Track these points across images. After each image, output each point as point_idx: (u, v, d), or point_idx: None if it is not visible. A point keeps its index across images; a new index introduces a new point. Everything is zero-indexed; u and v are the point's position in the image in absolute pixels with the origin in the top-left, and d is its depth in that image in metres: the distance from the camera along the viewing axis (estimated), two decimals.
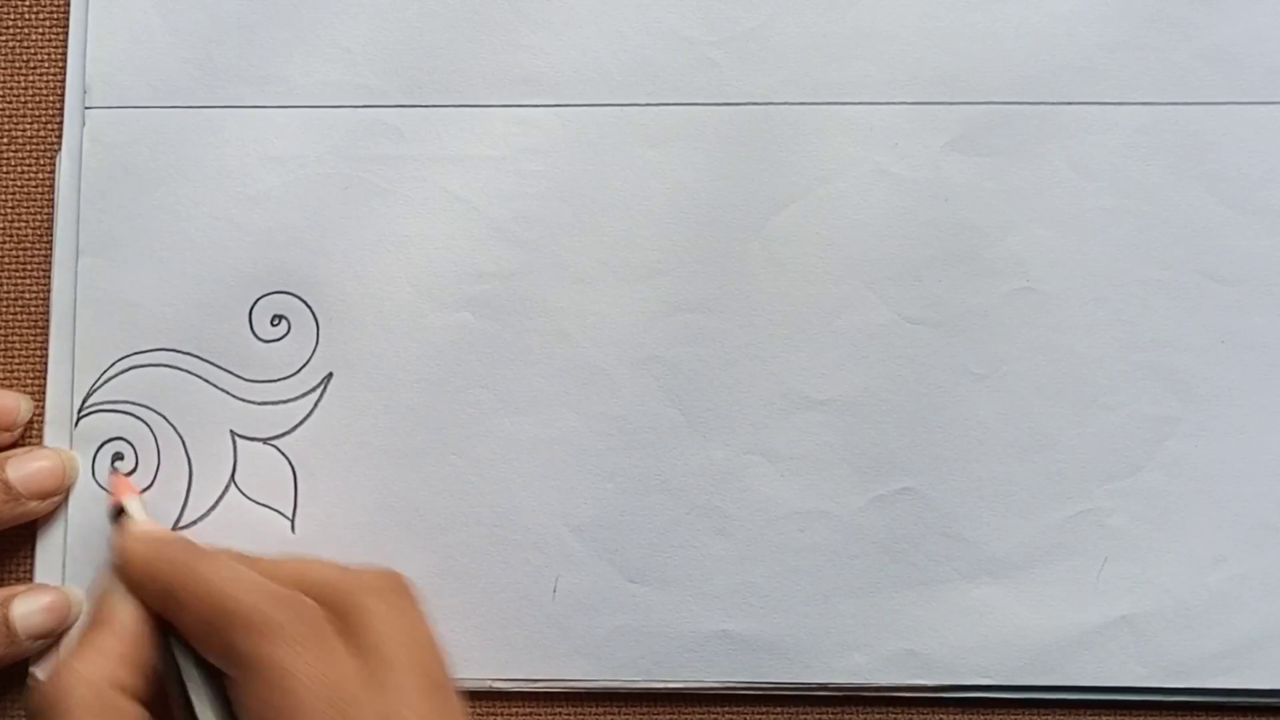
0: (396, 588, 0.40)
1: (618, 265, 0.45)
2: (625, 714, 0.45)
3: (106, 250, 0.45)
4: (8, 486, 0.43)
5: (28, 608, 0.42)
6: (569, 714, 0.45)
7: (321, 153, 0.45)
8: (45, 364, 0.45)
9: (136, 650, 0.40)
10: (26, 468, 0.43)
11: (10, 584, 0.44)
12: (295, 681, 0.37)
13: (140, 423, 0.45)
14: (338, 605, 0.39)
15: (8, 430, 0.44)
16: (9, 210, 0.46)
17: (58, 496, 0.44)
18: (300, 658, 0.37)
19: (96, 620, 0.40)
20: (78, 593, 0.44)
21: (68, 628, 0.43)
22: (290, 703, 0.36)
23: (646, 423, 0.45)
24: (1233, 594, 0.44)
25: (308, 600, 0.38)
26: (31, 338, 0.46)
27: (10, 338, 0.46)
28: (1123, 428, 0.45)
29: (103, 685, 0.39)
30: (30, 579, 0.44)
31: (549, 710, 0.45)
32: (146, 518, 0.43)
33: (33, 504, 0.43)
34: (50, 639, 0.43)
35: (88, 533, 0.44)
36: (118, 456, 0.44)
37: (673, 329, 0.45)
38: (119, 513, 0.43)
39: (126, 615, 0.40)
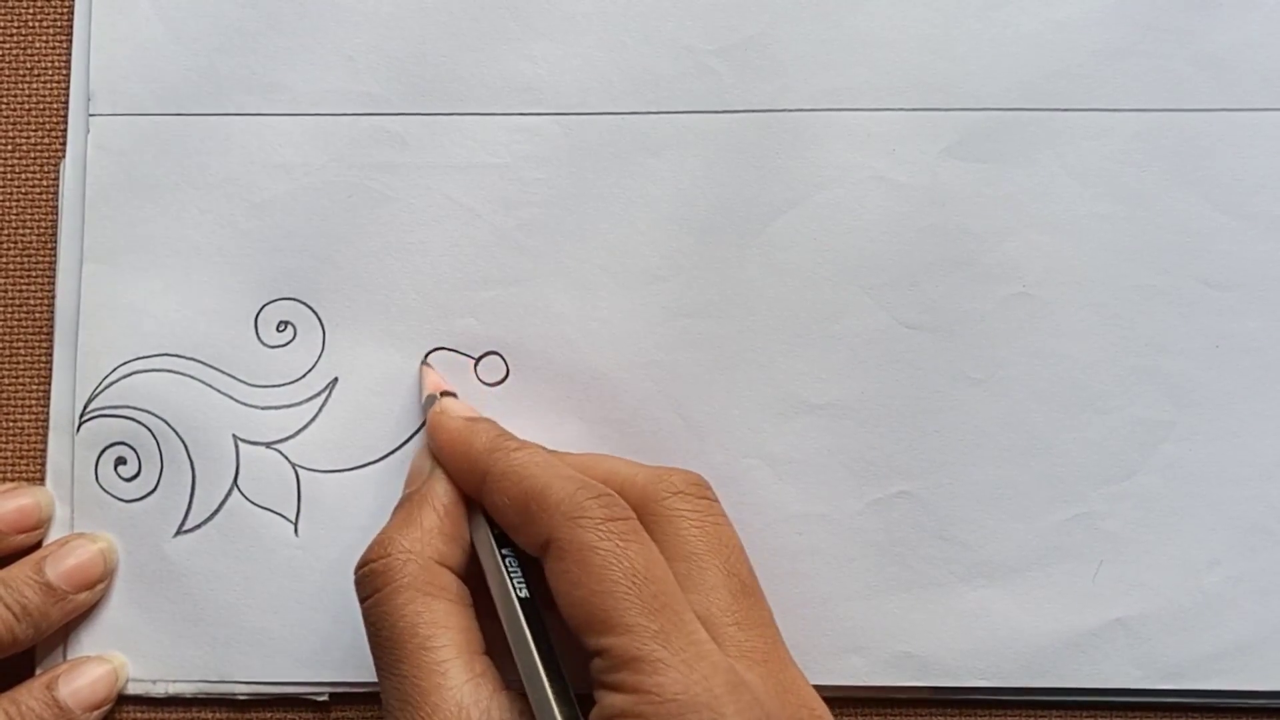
0: (701, 490, 0.40)
1: (619, 271, 0.45)
2: None
3: (110, 256, 0.45)
4: (50, 588, 0.43)
5: (74, 685, 0.43)
6: None
7: (325, 160, 0.45)
8: (49, 369, 0.46)
9: (454, 526, 0.40)
10: (64, 564, 0.43)
11: None
12: (608, 566, 0.36)
13: (143, 428, 0.45)
14: (646, 505, 0.39)
15: (35, 529, 0.44)
16: (13, 216, 0.46)
17: (103, 584, 0.44)
18: (613, 544, 0.37)
19: (416, 497, 0.41)
20: (120, 658, 0.44)
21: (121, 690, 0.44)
22: (603, 587, 0.36)
23: (647, 427, 0.45)
24: (1226, 596, 0.44)
25: (618, 496, 0.38)
26: (36, 343, 0.46)
27: (14, 343, 0.46)
28: (1118, 432, 0.45)
29: (428, 559, 0.39)
30: None
31: None
32: (462, 403, 0.43)
33: (81, 596, 0.44)
34: (109, 704, 0.44)
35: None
36: (429, 365, 0.44)
37: (673, 334, 0.45)
38: (431, 400, 0.43)
39: (444, 493, 0.40)
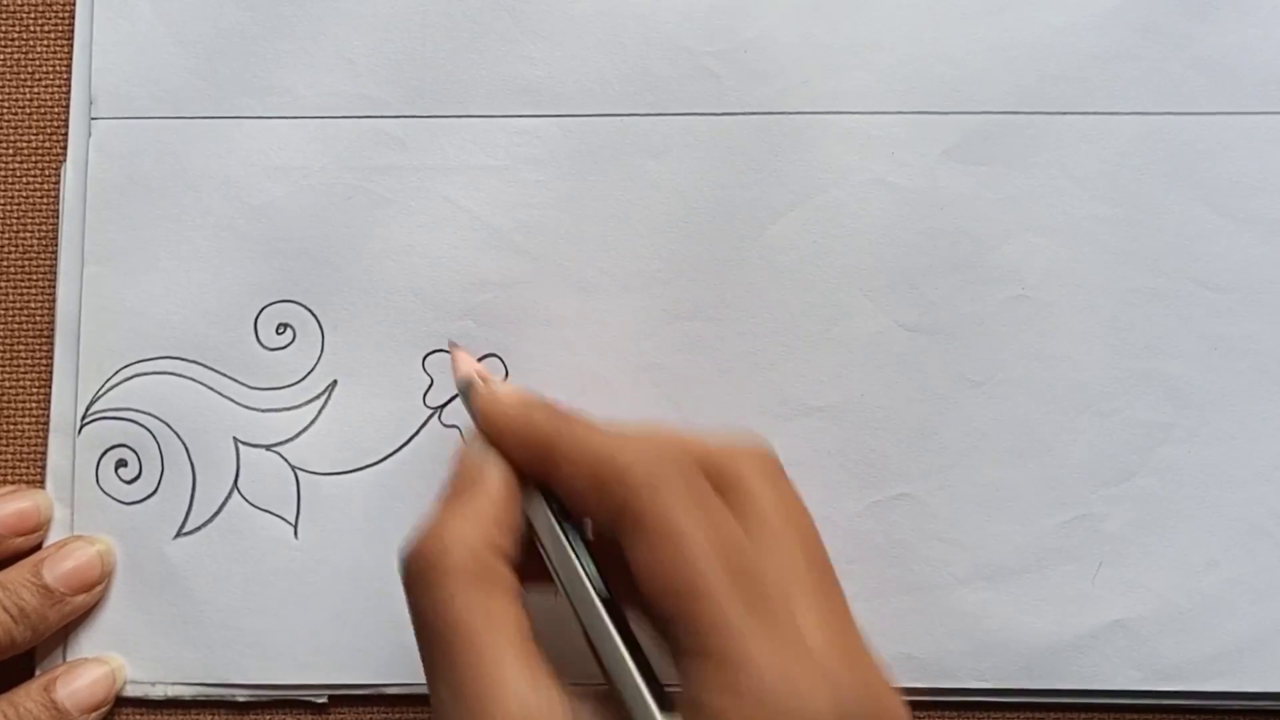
0: (773, 461, 0.39)
1: (618, 274, 0.45)
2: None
3: (111, 259, 0.45)
4: (48, 590, 0.43)
5: (72, 687, 0.43)
6: None
7: (325, 163, 0.46)
8: (50, 372, 0.46)
9: (507, 513, 0.38)
10: (62, 567, 0.43)
11: None
12: (685, 535, 0.35)
13: (144, 430, 0.45)
14: (720, 474, 0.38)
15: (34, 532, 0.44)
16: (15, 220, 0.46)
17: (100, 586, 0.44)
18: (689, 512, 0.35)
19: (466, 483, 0.38)
20: (118, 660, 0.44)
21: (119, 692, 0.44)
22: (681, 556, 0.35)
23: None
24: (1225, 598, 0.44)
25: (693, 466, 0.37)
26: (37, 346, 0.46)
27: (16, 346, 0.46)
28: (1117, 434, 0.45)
29: (479, 547, 0.37)
30: None
31: None
32: (511, 384, 0.42)
33: (79, 599, 0.44)
34: (106, 706, 0.44)
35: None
36: (457, 345, 0.43)
37: (672, 337, 0.45)
38: (468, 384, 0.41)
39: (496, 477, 0.38)
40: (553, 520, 0.38)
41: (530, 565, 0.38)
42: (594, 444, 0.37)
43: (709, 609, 0.34)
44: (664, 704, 0.35)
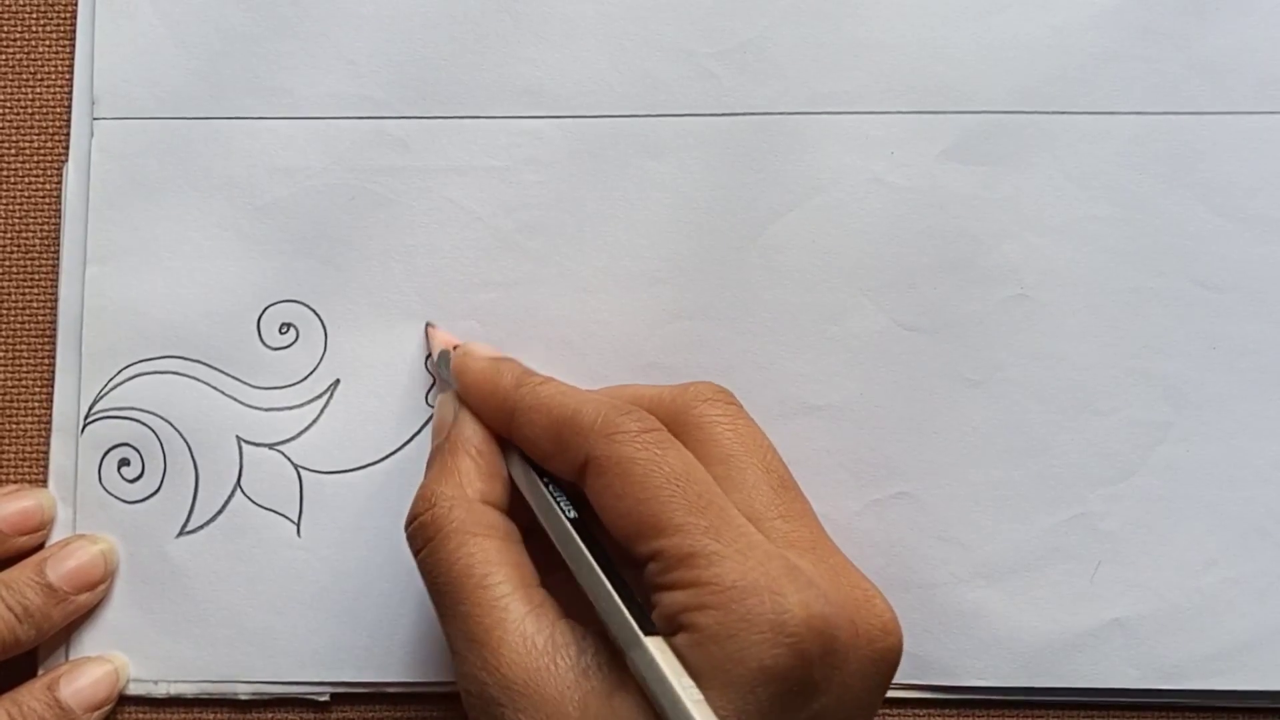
0: (727, 396, 0.41)
1: (619, 273, 0.45)
2: None
3: (113, 259, 0.46)
4: (51, 589, 0.43)
5: (75, 685, 0.43)
6: None
7: (327, 163, 0.46)
8: (52, 371, 0.46)
9: (490, 465, 0.40)
10: (65, 566, 0.44)
11: None
12: (649, 474, 0.37)
13: (146, 429, 0.45)
14: (676, 418, 0.39)
15: (37, 531, 0.45)
16: (17, 220, 0.46)
17: (103, 585, 0.44)
18: (650, 453, 0.37)
19: (448, 445, 0.41)
20: (121, 658, 0.45)
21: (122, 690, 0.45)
22: (648, 494, 0.36)
23: None
24: (1224, 597, 0.44)
25: (646, 411, 0.39)
26: (39, 345, 0.46)
27: (18, 345, 0.46)
28: (1115, 433, 0.45)
29: (474, 501, 0.39)
30: None
31: None
32: (483, 344, 0.44)
33: (82, 598, 0.44)
34: (110, 704, 0.44)
35: None
36: (433, 325, 0.45)
37: (672, 336, 0.45)
38: (443, 352, 0.43)
39: (473, 434, 0.41)
40: (526, 468, 0.40)
41: (542, 534, 0.40)
42: (555, 401, 0.39)
43: (677, 542, 0.36)
44: (647, 628, 0.36)
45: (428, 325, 0.45)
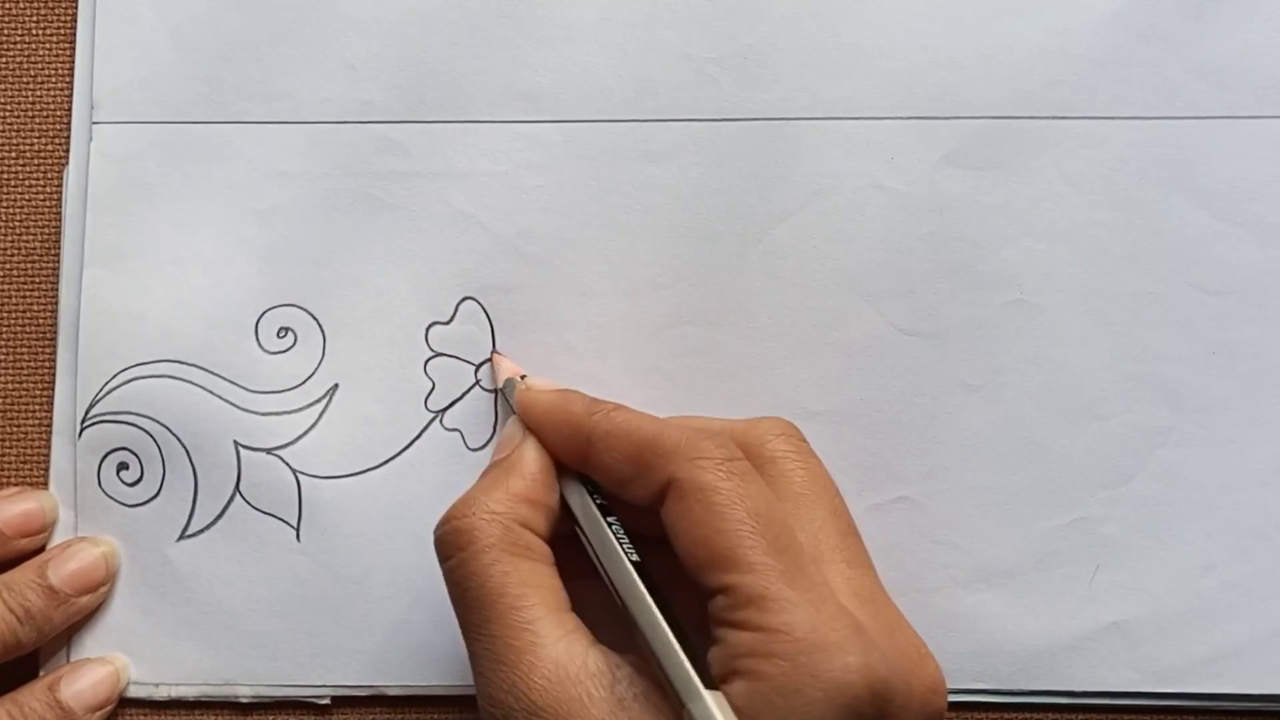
0: (797, 433, 0.40)
1: (619, 278, 0.45)
2: None
3: (113, 263, 0.46)
4: (53, 591, 0.43)
5: (76, 686, 0.43)
6: None
7: (327, 168, 0.46)
8: (52, 375, 0.46)
9: (542, 494, 0.40)
10: (66, 568, 0.44)
11: None
12: (731, 505, 0.36)
13: (144, 434, 0.45)
14: (748, 451, 0.39)
15: (39, 533, 0.45)
16: (17, 223, 0.47)
17: (105, 587, 0.45)
18: (734, 484, 0.37)
19: (504, 464, 0.40)
20: (122, 660, 0.45)
21: (123, 691, 0.45)
22: (727, 525, 0.36)
23: None
24: (1222, 601, 0.44)
25: (731, 442, 0.38)
26: (39, 349, 0.46)
27: (18, 349, 0.46)
28: (1115, 437, 0.45)
29: (511, 521, 0.39)
30: None
31: None
32: (545, 380, 0.43)
33: (83, 600, 0.44)
34: (110, 705, 0.44)
35: None
36: (500, 354, 0.45)
37: (673, 341, 0.45)
38: (509, 382, 0.43)
39: (533, 461, 0.40)
40: (588, 502, 0.39)
41: (573, 560, 0.39)
42: (634, 425, 0.39)
43: (750, 581, 0.35)
44: (704, 676, 0.35)
45: (494, 353, 0.45)
